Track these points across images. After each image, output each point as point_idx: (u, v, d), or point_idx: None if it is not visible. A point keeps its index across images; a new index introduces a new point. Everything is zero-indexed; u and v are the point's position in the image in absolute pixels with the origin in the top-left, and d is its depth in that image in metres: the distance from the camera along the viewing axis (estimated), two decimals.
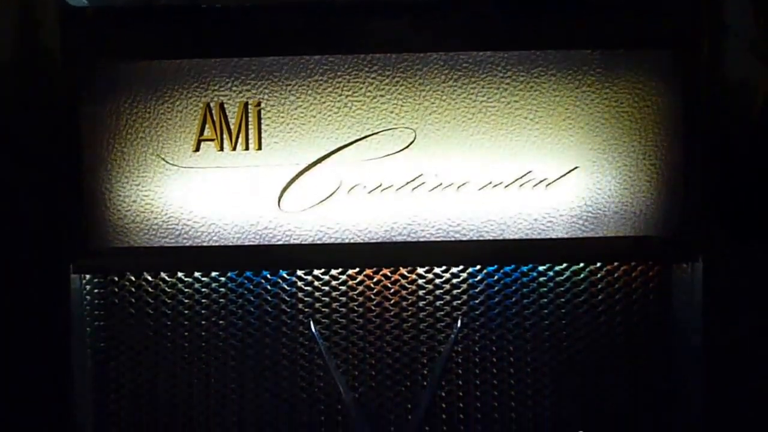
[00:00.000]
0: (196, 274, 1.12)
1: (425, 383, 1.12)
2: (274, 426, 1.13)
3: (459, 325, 1.11)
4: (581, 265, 1.11)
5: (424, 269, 1.12)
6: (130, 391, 1.13)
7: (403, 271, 1.12)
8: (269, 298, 1.13)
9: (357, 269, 1.12)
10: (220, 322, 1.13)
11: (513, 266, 1.11)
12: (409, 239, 1.07)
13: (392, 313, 1.12)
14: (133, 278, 1.13)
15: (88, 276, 1.12)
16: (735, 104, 1.16)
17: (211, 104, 1.08)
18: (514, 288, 1.12)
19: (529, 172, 1.07)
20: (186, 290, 1.13)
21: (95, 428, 1.12)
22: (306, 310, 1.13)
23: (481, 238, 1.07)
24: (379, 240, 1.08)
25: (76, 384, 1.10)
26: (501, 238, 1.07)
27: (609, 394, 1.12)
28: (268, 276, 1.13)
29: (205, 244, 1.09)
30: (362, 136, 1.07)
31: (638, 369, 1.12)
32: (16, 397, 1.14)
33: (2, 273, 1.14)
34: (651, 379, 1.12)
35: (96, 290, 1.13)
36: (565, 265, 1.11)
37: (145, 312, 1.13)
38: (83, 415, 1.11)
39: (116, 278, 1.13)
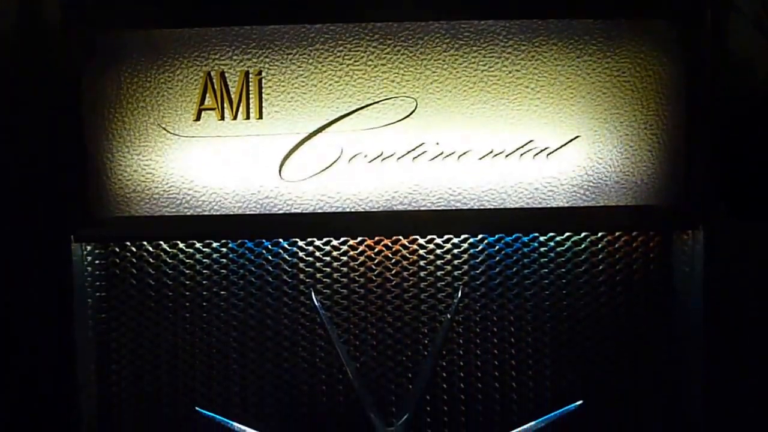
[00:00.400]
0: (197, 243, 1.13)
1: (426, 353, 1.12)
2: (275, 395, 1.13)
3: (460, 294, 1.11)
4: (582, 234, 1.12)
5: (425, 239, 1.12)
6: (132, 361, 1.14)
7: (404, 241, 1.13)
8: (270, 268, 1.13)
9: (358, 239, 1.12)
10: (222, 292, 1.13)
11: (514, 235, 1.11)
12: (409, 208, 1.07)
13: (393, 283, 1.13)
14: (134, 248, 1.13)
15: (89, 248, 1.13)
16: (738, 76, 1.16)
17: (212, 73, 1.08)
18: (514, 258, 1.13)
19: (531, 141, 1.07)
20: (187, 261, 1.13)
21: (98, 397, 1.13)
22: (307, 280, 1.13)
23: (481, 207, 1.07)
24: (380, 209, 1.07)
25: (78, 353, 1.11)
26: (502, 207, 1.07)
27: (609, 364, 1.12)
28: (269, 246, 1.13)
29: (206, 213, 1.09)
30: (363, 105, 1.07)
31: (638, 338, 1.13)
32: (18, 367, 1.15)
33: (4, 243, 1.14)
34: (651, 349, 1.13)
35: (97, 261, 1.13)
36: (565, 234, 1.11)
37: (146, 282, 1.13)
38: (85, 384, 1.12)
39: (117, 249, 1.13)
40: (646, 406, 1.13)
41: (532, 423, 1.11)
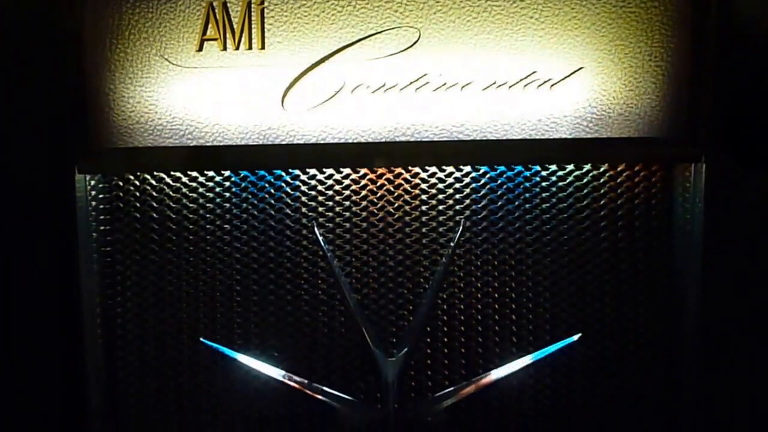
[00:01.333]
0: (200, 177, 1.13)
1: (427, 286, 1.13)
2: (277, 327, 1.14)
3: (461, 227, 1.12)
4: (584, 167, 1.12)
5: (428, 173, 1.12)
6: (136, 293, 1.15)
7: (406, 175, 1.13)
8: (272, 201, 1.13)
9: (360, 170, 1.12)
10: (224, 225, 1.13)
11: (516, 168, 1.11)
12: (412, 139, 1.07)
13: (395, 216, 1.13)
14: (137, 182, 1.13)
15: (93, 182, 1.13)
16: (746, 9, 1.14)
17: (214, 3, 1.07)
18: (516, 192, 1.13)
19: (534, 72, 1.06)
20: (190, 194, 1.13)
21: (101, 330, 1.15)
22: (309, 213, 1.13)
23: (484, 139, 1.07)
24: (383, 140, 1.08)
25: (83, 287, 1.12)
26: (504, 138, 1.07)
27: (609, 297, 1.14)
28: (272, 180, 1.13)
29: (208, 144, 1.09)
30: (366, 35, 1.07)
31: (638, 272, 1.13)
32: (22, 299, 1.16)
33: (7, 176, 1.15)
34: (651, 282, 1.13)
35: (101, 195, 1.14)
36: (568, 167, 1.12)
37: (149, 215, 1.14)
38: (89, 318, 1.13)
39: (120, 182, 1.14)
40: (645, 340, 1.14)
41: (531, 356, 1.13)
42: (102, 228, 1.14)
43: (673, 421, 1.14)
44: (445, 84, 1.06)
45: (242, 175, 1.13)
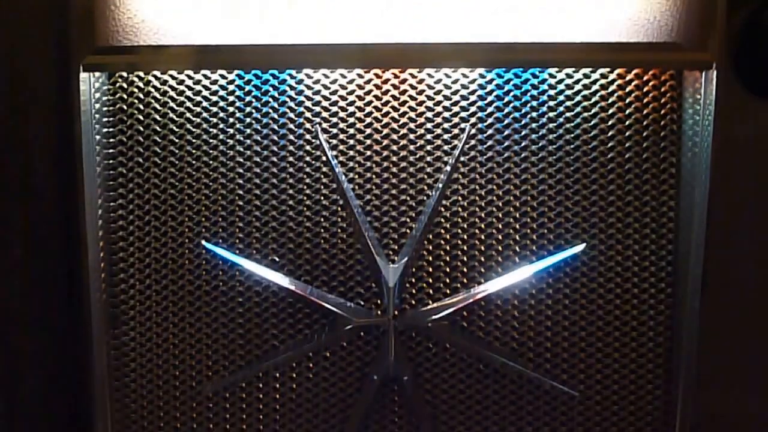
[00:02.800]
0: (204, 81, 1.12)
1: (430, 193, 1.12)
2: (278, 231, 1.14)
3: (467, 134, 1.11)
4: (593, 72, 1.10)
5: (434, 79, 1.11)
6: (138, 195, 1.14)
7: (412, 81, 1.12)
8: (276, 105, 1.12)
9: (366, 74, 1.11)
10: (228, 129, 1.13)
11: (523, 70, 1.10)
12: (419, 40, 1.06)
13: (399, 122, 1.12)
14: (141, 84, 1.13)
15: (96, 84, 1.12)
16: None
17: None
18: (523, 100, 1.11)
19: None
20: (194, 97, 1.12)
21: (103, 233, 1.14)
22: (313, 117, 1.12)
23: (492, 41, 1.06)
24: (389, 41, 1.06)
25: (87, 185, 1.11)
26: (513, 41, 1.06)
27: (614, 207, 1.12)
28: (276, 84, 1.12)
29: (214, 43, 1.08)
30: None
31: (644, 181, 1.12)
32: (24, 196, 1.16)
33: (10, 72, 1.14)
34: (656, 192, 1.12)
35: (105, 97, 1.13)
36: (577, 73, 1.10)
37: (153, 117, 1.13)
38: (92, 217, 1.13)
39: (125, 84, 1.13)
40: (649, 250, 1.13)
41: (534, 265, 1.12)
42: (105, 130, 1.14)
43: (674, 334, 1.14)
44: None
45: (246, 78, 1.12)
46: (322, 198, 1.13)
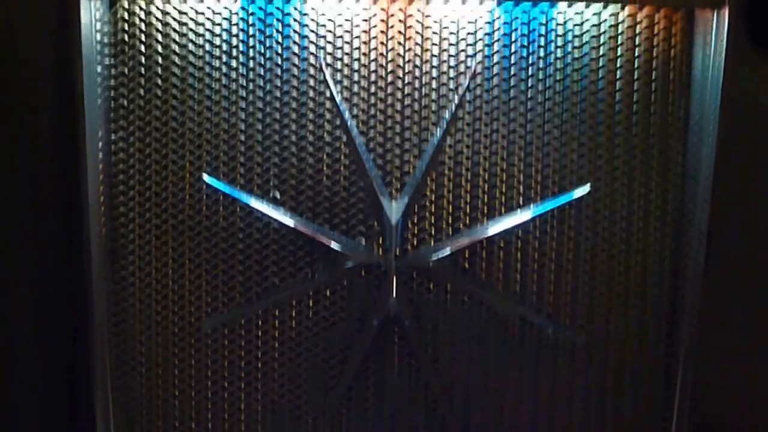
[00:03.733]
0: (207, 11, 1.10)
1: (434, 132, 1.11)
2: (281, 167, 1.12)
3: (472, 72, 1.09)
4: (603, 13, 1.08)
5: (442, 15, 1.09)
6: (139, 128, 1.12)
7: (418, 16, 1.09)
8: (279, 39, 1.11)
9: (371, 7, 1.09)
10: (231, 61, 1.10)
11: (533, 5, 1.08)
12: None
13: (406, 59, 1.10)
14: (143, 14, 1.11)
15: (98, 14, 1.10)
16: None
17: None
18: (531, 38, 1.09)
19: None
20: (197, 27, 1.10)
21: (103, 165, 1.13)
22: (317, 53, 1.10)
23: None
24: None
25: (87, 117, 1.10)
26: None
27: (620, 149, 1.11)
28: (280, 17, 1.10)
29: None
30: None
31: (652, 124, 1.10)
32: (22, 128, 1.15)
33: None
34: (665, 135, 1.10)
35: (106, 28, 1.11)
36: (588, 14, 1.08)
37: (154, 48, 1.11)
38: (92, 150, 1.11)
39: (126, 14, 1.11)
40: (656, 193, 1.12)
41: (537, 206, 1.11)
42: (106, 62, 1.12)
43: (678, 281, 1.12)
44: None
45: (250, 10, 1.11)
46: (325, 134, 1.12)
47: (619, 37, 1.09)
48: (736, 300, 1.18)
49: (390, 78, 1.11)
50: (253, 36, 1.11)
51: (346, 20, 1.10)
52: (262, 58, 1.11)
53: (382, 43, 1.11)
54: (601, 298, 1.13)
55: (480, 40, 1.10)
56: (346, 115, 1.10)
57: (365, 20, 1.10)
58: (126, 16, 1.11)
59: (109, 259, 1.15)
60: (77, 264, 1.15)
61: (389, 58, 1.11)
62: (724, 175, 1.08)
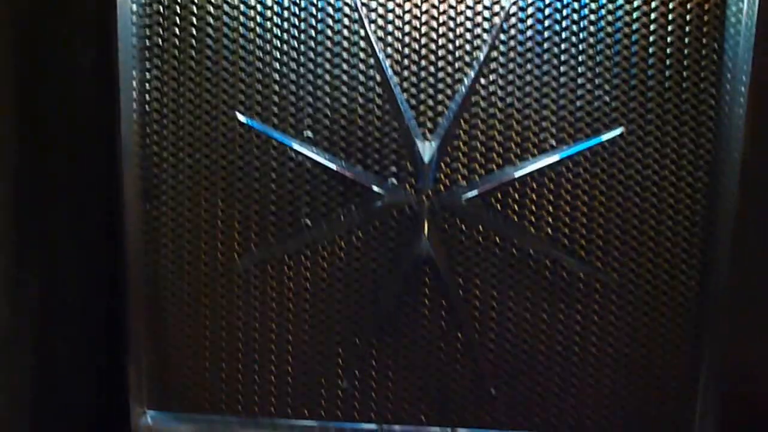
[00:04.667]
0: None
1: (468, 71, 1.11)
2: (315, 106, 1.12)
3: (507, 13, 1.09)
4: None
5: None
6: (174, 67, 1.12)
7: None
8: None
9: None
10: (266, 2, 1.11)
11: None
12: None
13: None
14: None
15: None
16: None
17: None
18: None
19: None
20: None
21: (138, 102, 1.13)
22: None
23: None
24: None
25: (122, 57, 1.11)
26: None
27: (654, 91, 1.10)
28: None
29: None
30: None
31: (686, 67, 1.10)
32: (59, 73, 1.15)
33: None
34: (698, 78, 1.10)
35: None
36: None
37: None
38: (127, 91, 1.12)
39: None
40: (688, 137, 1.11)
41: (570, 147, 1.11)
42: (142, 1, 1.13)
43: (710, 223, 1.12)
44: None
45: None
46: (359, 74, 1.12)
47: (651, 13, 1.09)
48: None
49: (424, 18, 1.11)
50: None
51: None
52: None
53: None
54: (632, 240, 1.13)
55: None
56: (381, 55, 1.10)
57: None
58: None
59: (142, 198, 1.16)
60: (112, 203, 1.16)
61: None
62: (759, 116, 1.08)
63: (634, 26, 1.10)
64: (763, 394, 1.17)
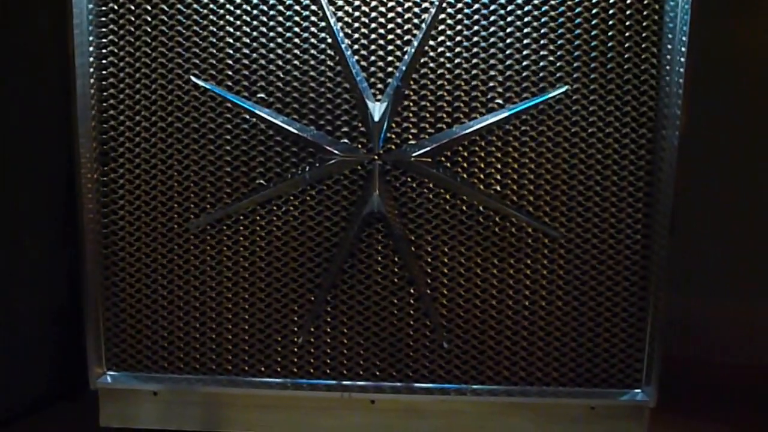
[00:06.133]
0: None
1: (416, 32, 1.14)
2: (268, 68, 1.14)
3: None
4: None
5: None
6: (129, 32, 1.15)
7: None
8: None
9: None
10: None
11: None
12: None
13: None
14: None
15: None
16: None
17: None
18: None
19: None
20: None
21: (95, 66, 1.15)
22: None
23: None
24: None
25: (76, 17, 1.12)
26: None
27: (598, 51, 1.14)
28: None
29: None
30: None
31: (628, 27, 1.13)
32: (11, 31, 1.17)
33: None
34: (639, 38, 1.13)
35: None
36: None
37: None
38: (83, 52, 1.14)
39: None
40: (631, 95, 1.14)
41: (517, 106, 1.14)
42: None
43: (653, 178, 1.16)
44: None
45: None
46: (311, 36, 1.15)
47: None
48: (707, 206, 1.22)
49: None
50: None
51: None
52: None
53: None
54: (578, 195, 1.17)
55: None
56: (332, 18, 1.13)
57: None
58: None
59: (98, 161, 1.18)
60: (69, 166, 1.17)
61: None
62: (698, 76, 1.12)
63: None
64: (701, 353, 1.21)
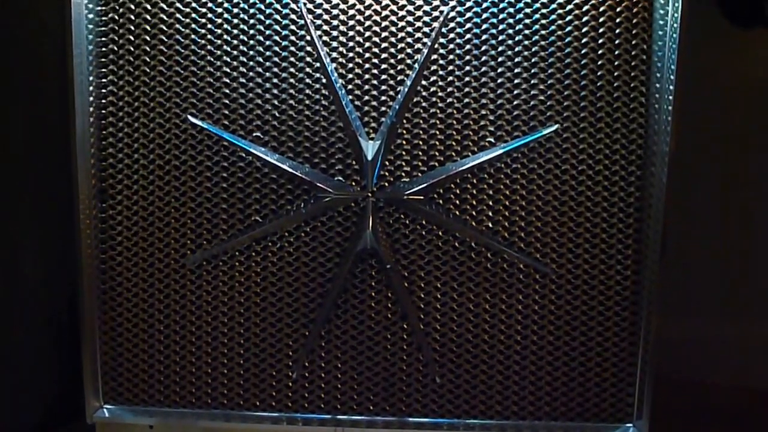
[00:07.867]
0: None
1: (409, 72, 1.16)
2: (263, 108, 1.17)
3: (445, 17, 1.14)
4: None
5: None
6: (128, 72, 1.17)
7: None
8: None
9: None
10: (216, 8, 1.16)
11: None
12: None
13: (382, 4, 1.15)
14: None
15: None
16: None
17: None
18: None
19: None
20: None
21: (94, 105, 1.18)
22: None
23: None
24: None
25: (77, 59, 1.15)
26: None
27: (587, 90, 1.16)
28: None
29: None
30: None
31: (617, 67, 1.16)
32: (14, 71, 1.20)
33: None
34: (628, 77, 1.16)
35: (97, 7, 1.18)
36: None
37: None
38: (82, 90, 1.16)
39: None
40: (620, 133, 1.17)
41: (508, 144, 1.16)
42: (97, 8, 1.17)
43: (643, 214, 1.17)
44: None
45: None
46: (305, 76, 1.17)
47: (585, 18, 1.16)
48: (697, 239, 1.23)
49: (367, 23, 1.17)
50: None
51: None
52: (246, 4, 1.17)
53: None
54: (569, 232, 1.18)
55: None
56: (326, 59, 1.15)
57: None
58: None
59: (97, 198, 1.20)
60: (68, 203, 1.20)
61: (367, 3, 1.17)
62: (686, 113, 1.13)
63: (567, 29, 1.16)
64: (693, 380, 1.22)
